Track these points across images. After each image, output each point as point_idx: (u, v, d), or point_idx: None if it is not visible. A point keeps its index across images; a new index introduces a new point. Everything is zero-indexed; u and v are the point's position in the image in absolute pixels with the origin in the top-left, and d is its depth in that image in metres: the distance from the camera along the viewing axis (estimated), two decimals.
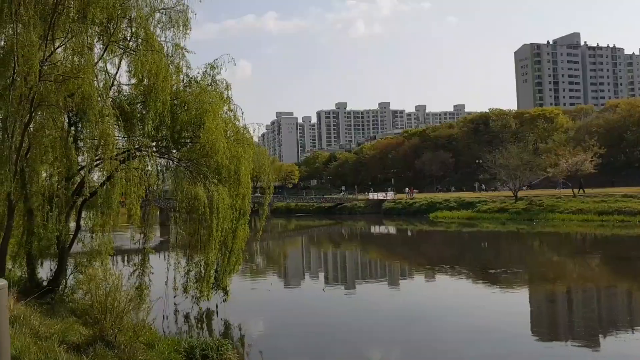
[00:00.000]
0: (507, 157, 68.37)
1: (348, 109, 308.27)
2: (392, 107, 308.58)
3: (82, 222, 20.63)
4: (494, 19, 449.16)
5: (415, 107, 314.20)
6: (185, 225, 19.27)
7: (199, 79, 20.13)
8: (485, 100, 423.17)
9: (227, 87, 20.41)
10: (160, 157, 18.04)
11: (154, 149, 18.20)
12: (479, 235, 54.45)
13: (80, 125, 17.47)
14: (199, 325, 19.02)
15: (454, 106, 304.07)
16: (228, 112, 20.70)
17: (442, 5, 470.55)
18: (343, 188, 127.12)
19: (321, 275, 34.56)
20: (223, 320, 19.08)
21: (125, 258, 26.34)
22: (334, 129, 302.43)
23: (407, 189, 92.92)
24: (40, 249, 20.77)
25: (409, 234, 62.39)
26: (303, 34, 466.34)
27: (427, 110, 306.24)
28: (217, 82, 20.28)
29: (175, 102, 18.67)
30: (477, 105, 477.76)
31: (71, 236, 20.14)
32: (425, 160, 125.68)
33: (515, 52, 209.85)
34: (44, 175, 20.07)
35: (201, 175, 18.06)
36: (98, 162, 20.28)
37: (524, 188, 68.97)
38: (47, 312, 15.40)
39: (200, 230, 17.90)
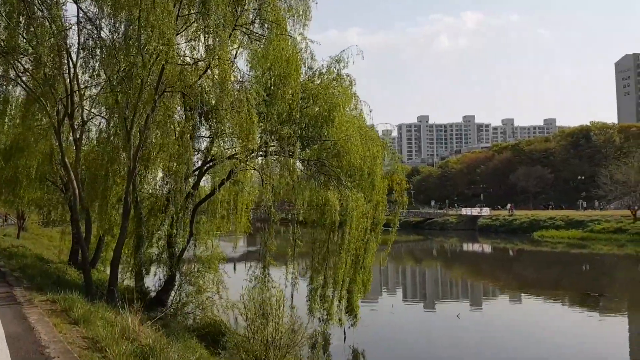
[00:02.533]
0: (625, 173, 61.76)
1: (430, 122, 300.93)
2: (477, 120, 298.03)
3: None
4: (586, 31, 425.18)
5: (502, 120, 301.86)
6: (309, 235, 16.94)
7: (324, 71, 17.86)
8: (579, 114, 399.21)
9: (352, 83, 17.96)
10: (285, 157, 15.67)
11: (277, 147, 15.93)
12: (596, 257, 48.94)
13: (203, 118, 15.50)
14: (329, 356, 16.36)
15: (544, 120, 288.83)
16: (354, 110, 18.25)
17: (531, 18, 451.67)
18: (432, 202, 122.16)
19: (437, 294, 31.86)
20: (352, 348, 16.38)
21: (235, 269, 24.46)
22: (415, 143, 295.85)
23: (508, 205, 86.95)
24: (149, 257, 19.21)
25: (524, 254, 57.24)
26: (386, 49, 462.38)
27: (514, 124, 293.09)
28: (342, 76, 17.88)
29: (302, 95, 16.39)
30: (569, 119, 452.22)
31: (183, 243, 18.37)
32: (520, 176, 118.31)
33: (615, 63, 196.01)
34: (160, 175, 18.48)
35: (333, 178, 15.64)
36: (211, 163, 18.47)
37: (637, 207, 61.81)
38: (164, 330, 13.32)
39: (328, 242, 15.47)
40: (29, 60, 14.76)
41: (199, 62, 13.88)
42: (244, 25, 15.13)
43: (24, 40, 14.09)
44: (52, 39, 13.17)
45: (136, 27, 12.89)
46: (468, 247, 67.34)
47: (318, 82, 17.62)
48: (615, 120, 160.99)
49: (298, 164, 16.16)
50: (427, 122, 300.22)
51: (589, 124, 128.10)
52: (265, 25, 15.87)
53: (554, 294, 29.23)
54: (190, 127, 14.96)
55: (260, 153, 15.85)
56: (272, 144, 15.86)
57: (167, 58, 11.92)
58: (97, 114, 17.58)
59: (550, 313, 24.70)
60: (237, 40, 16.13)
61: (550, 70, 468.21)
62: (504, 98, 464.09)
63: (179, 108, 17.48)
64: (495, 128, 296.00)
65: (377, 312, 21.70)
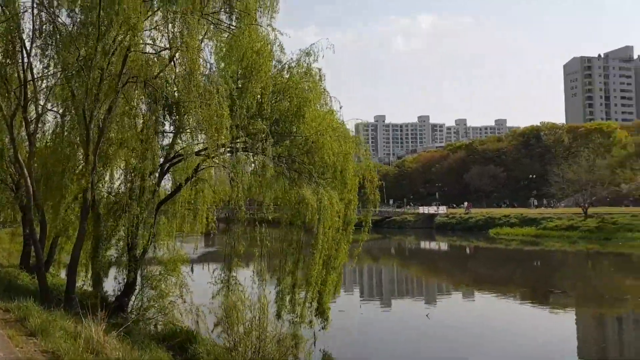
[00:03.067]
0: (576, 172, 63.76)
1: (387, 121, 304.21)
2: (432, 120, 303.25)
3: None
4: (537, 34, 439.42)
5: (455, 121, 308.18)
6: (279, 235, 16.28)
7: (293, 65, 17.23)
8: (529, 114, 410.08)
9: (322, 78, 17.37)
10: (257, 153, 14.95)
11: (248, 143, 15.22)
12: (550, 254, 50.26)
13: (167, 111, 14.61)
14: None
15: (495, 120, 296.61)
16: (324, 106, 17.72)
17: (483, 20, 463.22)
18: (391, 201, 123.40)
19: (406, 294, 32.42)
20: (323, 352, 15.86)
21: (192, 270, 23.51)
22: (371, 142, 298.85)
23: (465, 204, 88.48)
24: (108, 259, 18.13)
25: (478, 252, 58.27)
26: (342, 49, 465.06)
27: (467, 124, 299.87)
28: (312, 71, 17.28)
29: (272, 89, 15.75)
30: (519, 119, 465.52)
31: (144, 245, 17.43)
32: (474, 175, 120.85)
33: (564, 65, 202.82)
34: (119, 172, 17.48)
35: (304, 175, 15.08)
36: (175, 159, 17.58)
37: (587, 205, 63.91)
38: (128, 339, 12.49)
39: (301, 242, 14.91)
40: None
41: (164, 52, 13.04)
42: (211, 14, 14.36)
43: None
44: (4, 24, 12.06)
45: (96, 12, 12.01)
46: (426, 245, 68.26)
47: (287, 76, 16.99)
48: (564, 121, 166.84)
49: (268, 161, 15.47)
50: (383, 121, 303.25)
51: (539, 124, 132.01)
52: (233, 15, 15.19)
53: (509, 290, 30.11)
54: (154, 121, 14.03)
55: (228, 149, 15.13)
56: (241, 139, 15.15)
57: (131, 44, 11.10)
58: (51, 108, 16.41)
59: (504, 308, 25.59)
60: (202, 31, 15.36)
61: (501, 72, 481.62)
62: (457, 99, 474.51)
63: (141, 102, 16.58)
64: (449, 128, 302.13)
65: (345, 313, 21.27)
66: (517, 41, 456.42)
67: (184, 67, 11.79)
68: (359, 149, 16.71)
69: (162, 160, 17.15)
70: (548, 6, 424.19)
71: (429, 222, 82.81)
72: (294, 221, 14.86)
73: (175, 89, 13.17)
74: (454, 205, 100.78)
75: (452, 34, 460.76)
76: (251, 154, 15.21)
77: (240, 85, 14.74)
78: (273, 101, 15.60)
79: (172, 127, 16.80)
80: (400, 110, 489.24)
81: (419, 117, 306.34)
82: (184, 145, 13.70)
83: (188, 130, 13.93)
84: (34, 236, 13.76)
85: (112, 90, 13.31)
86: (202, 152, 14.21)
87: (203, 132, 12.52)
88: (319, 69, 17.26)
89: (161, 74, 13.24)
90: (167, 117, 15.76)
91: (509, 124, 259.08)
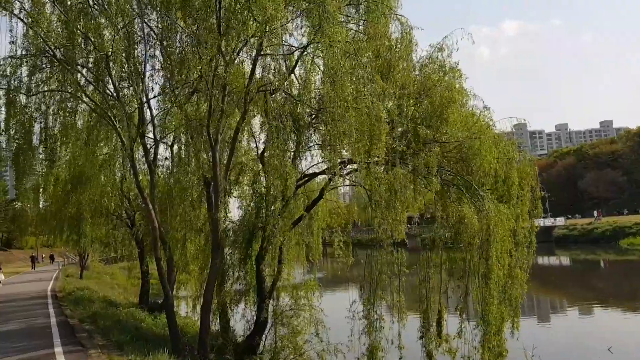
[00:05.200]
0: None
1: None
2: (529, 127, 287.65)
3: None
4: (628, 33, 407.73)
5: (556, 126, 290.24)
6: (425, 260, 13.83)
7: (425, 61, 14.86)
8: (636, 113, 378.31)
9: (462, 74, 14.82)
10: (391, 165, 12.53)
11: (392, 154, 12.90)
12: None
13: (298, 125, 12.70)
14: None
15: (600, 122, 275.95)
16: (463, 106, 15.14)
17: (573, 23, 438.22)
18: None
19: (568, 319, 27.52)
20: None
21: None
22: None
23: (595, 212, 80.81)
24: (234, 295, 16.52)
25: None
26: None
27: (569, 129, 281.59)
28: (451, 66, 14.74)
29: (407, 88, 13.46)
30: (627, 120, 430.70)
31: (272, 276, 15.65)
32: (589, 181, 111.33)
33: None
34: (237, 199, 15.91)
35: (461, 188, 12.56)
36: (303, 180, 15.73)
37: None
38: None
39: (467, 269, 12.29)
40: (91, 73, 12.43)
41: (295, 52, 11.12)
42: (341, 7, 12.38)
43: (87, 50, 11.78)
44: (121, 44, 10.73)
45: (215, 17, 10.41)
46: (551, 261, 62.04)
47: (417, 73, 14.66)
48: None
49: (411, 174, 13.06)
50: None
51: None
52: (361, 6, 13.15)
53: None
54: (282, 140, 12.10)
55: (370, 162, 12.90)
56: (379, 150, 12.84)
57: (263, 41, 9.27)
58: (168, 134, 15.18)
59: None
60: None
61: (598, 72, 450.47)
62: (551, 103, 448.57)
63: (258, 118, 14.96)
64: (549, 134, 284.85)
65: None
66: (606, 41, 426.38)
67: (326, 66, 9.75)
68: (518, 154, 13.91)
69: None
70: None
71: (546, 235, 76.16)
72: (453, 243, 12.32)
73: (311, 95, 11.17)
74: (569, 216, 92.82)
75: (540, 38, 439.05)
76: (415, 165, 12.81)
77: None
78: (412, 102, 13.33)
79: (295, 144, 15.07)
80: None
81: (515, 125, 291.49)
82: (332, 159, 11.53)
83: (328, 146, 11.75)
84: (161, 274, 12.28)
85: (237, 105, 11.66)
86: (334, 168, 12.05)
87: (348, 144, 10.34)
88: (456, 63, 14.82)
89: (289, 77, 11.31)
90: (293, 133, 13.89)
91: (615, 125, 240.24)
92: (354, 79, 9.80)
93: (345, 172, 13.96)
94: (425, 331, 14.55)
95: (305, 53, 10.69)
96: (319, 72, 10.58)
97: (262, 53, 10.36)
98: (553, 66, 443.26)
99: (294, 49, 10.78)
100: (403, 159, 12.46)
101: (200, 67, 10.10)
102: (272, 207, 14.14)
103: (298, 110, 12.61)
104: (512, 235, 12.20)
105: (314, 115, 12.01)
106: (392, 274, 14.44)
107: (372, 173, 10.83)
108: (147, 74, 12.90)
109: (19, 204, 58.61)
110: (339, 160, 14.64)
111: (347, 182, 16.49)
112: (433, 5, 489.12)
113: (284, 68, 11.70)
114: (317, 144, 14.91)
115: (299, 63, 11.27)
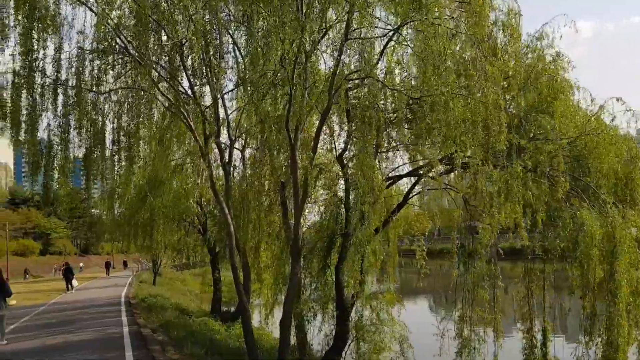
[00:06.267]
0: None
1: None
2: None
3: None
4: None
5: None
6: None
7: (523, 50, 13.25)
8: None
9: (569, 65, 13.05)
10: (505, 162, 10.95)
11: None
12: None
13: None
14: None
15: None
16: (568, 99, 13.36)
17: None
18: None
19: None
20: None
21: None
22: None
23: None
24: (311, 307, 15.42)
25: None
26: None
27: None
28: (545, 58, 13.09)
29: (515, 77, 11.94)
30: None
31: (354, 287, 14.41)
32: None
33: None
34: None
35: (576, 190, 10.88)
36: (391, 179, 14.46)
37: None
38: None
39: (593, 285, 10.52)
40: (164, 69, 11.69)
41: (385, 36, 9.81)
42: None
43: (160, 44, 11.05)
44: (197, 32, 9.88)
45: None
46: None
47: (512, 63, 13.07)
48: None
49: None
50: None
51: None
52: None
53: None
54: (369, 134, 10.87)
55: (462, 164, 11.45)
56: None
57: (357, 22, 8.12)
58: (241, 132, 14.37)
59: None
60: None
61: None
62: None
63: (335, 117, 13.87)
64: None
65: None
66: None
67: (426, 47, 8.40)
68: None
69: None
70: None
71: None
72: (570, 254, 10.64)
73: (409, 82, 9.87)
74: None
75: (619, 37, 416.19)
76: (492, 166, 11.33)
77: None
78: (517, 93, 11.81)
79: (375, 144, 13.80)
80: None
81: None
82: (433, 156, 10.20)
83: (423, 141, 10.40)
84: (237, 282, 11.31)
85: (319, 99, 10.59)
86: (434, 165, 10.70)
87: (450, 138, 8.92)
88: (560, 52, 13.09)
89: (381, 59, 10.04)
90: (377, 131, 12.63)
91: None
92: (461, 60, 8.48)
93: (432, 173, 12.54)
94: (530, 353, 12.93)
95: (398, 35, 9.42)
96: (414, 56, 9.27)
97: (349, 37, 9.18)
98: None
99: (387, 30, 9.51)
100: (509, 156, 10.92)
101: (281, 54, 9.06)
102: (353, 212, 13.03)
103: (382, 105, 11.40)
104: (638, 245, 10.37)
105: (405, 109, 10.71)
106: (489, 288, 13.04)
107: (482, 171, 9.38)
108: (222, 68, 12.14)
109: (96, 210, 60.65)
110: (426, 161, 13.42)
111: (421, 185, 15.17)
112: None
113: (372, 54, 10.45)
114: (402, 144, 13.71)
115: (388, 48, 9.99)
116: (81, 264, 71.17)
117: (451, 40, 8.88)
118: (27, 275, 55.13)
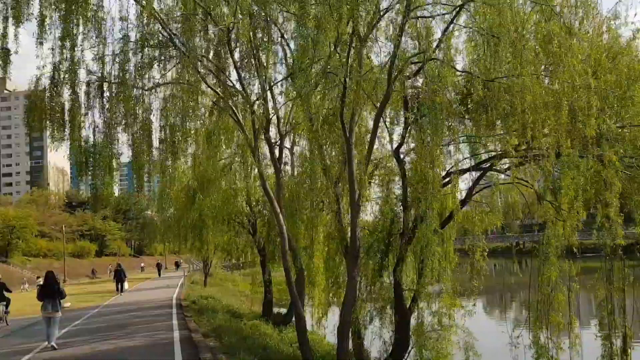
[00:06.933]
0: None
1: None
2: None
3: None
4: None
5: None
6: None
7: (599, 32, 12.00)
8: None
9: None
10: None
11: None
12: None
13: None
14: None
15: None
16: None
17: None
18: None
19: None
20: None
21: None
22: None
23: None
24: (368, 311, 14.58)
25: None
26: None
27: None
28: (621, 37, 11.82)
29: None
30: None
31: (412, 290, 13.50)
32: None
33: None
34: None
35: None
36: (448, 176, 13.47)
37: None
38: None
39: None
40: (211, 63, 11.10)
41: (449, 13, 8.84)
42: None
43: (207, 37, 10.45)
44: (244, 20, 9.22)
45: None
46: None
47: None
48: None
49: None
50: None
51: None
52: None
53: None
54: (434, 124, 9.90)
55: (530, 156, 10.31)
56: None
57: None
58: (291, 126, 13.64)
59: None
60: None
61: None
62: None
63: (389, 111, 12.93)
64: None
65: None
66: None
67: (502, 23, 7.40)
68: None
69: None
70: None
71: None
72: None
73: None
74: None
75: None
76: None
77: None
78: (591, 75, 10.61)
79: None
80: None
81: None
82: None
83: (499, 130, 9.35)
84: (290, 286, 10.61)
85: (378, 88, 9.74)
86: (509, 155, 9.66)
87: (528, 125, 7.88)
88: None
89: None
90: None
91: None
92: (539, 36, 7.47)
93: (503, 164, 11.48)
94: None
95: (466, 11, 8.44)
96: (483, 34, 8.28)
97: (408, 17, 8.28)
98: None
99: (452, 6, 8.54)
100: (584, 146, 9.75)
101: (335, 38, 8.26)
102: (413, 211, 12.15)
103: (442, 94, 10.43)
104: None
105: (477, 93, 9.71)
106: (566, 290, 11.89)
107: (564, 162, 8.29)
108: (270, 61, 11.49)
109: (147, 212, 61.69)
110: (492, 153, 12.39)
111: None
112: None
113: (432, 36, 9.48)
114: (463, 135, 12.69)
115: (453, 26, 8.99)
116: (142, 264, 73.35)
117: (527, 14, 7.84)
118: (94, 275, 63.19)
